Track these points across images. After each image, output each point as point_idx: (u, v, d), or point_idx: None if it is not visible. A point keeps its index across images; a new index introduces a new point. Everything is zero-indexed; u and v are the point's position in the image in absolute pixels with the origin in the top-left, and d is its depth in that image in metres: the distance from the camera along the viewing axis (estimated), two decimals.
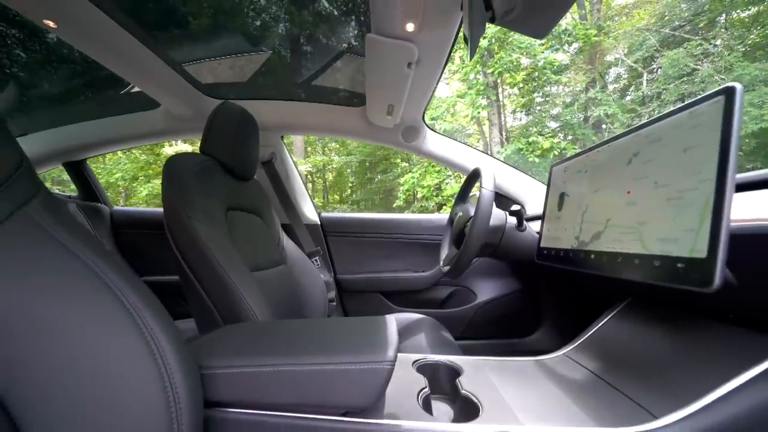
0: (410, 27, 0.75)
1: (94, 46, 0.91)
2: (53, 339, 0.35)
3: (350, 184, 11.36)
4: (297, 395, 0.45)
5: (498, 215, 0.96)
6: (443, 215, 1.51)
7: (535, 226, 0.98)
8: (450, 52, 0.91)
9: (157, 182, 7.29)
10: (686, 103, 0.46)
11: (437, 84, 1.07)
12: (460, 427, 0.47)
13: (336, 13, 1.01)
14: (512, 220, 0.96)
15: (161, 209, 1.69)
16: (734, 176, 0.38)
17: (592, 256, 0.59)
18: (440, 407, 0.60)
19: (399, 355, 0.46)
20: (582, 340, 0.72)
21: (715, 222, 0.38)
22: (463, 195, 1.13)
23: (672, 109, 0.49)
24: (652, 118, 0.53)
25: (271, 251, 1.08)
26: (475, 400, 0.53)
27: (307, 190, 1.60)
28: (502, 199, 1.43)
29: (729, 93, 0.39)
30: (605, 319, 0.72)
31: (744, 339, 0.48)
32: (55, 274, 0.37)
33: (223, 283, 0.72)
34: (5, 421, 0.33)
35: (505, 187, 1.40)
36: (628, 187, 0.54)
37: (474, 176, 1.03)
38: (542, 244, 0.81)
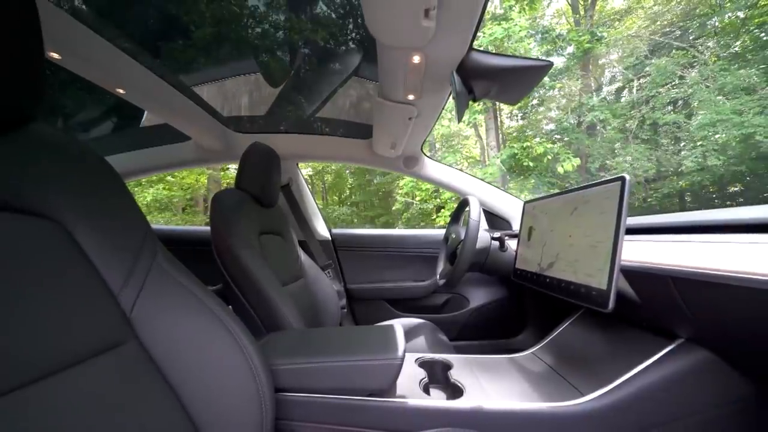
0: (411, 96, 0.95)
1: (150, 103, 1.11)
2: (187, 354, 0.54)
3: (349, 186, 11.51)
4: (336, 382, 0.65)
5: (484, 238, 1.16)
6: (440, 231, 1.71)
7: (515, 245, 1.18)
8: (443, 107, 1.11)
9: (160, 186, 7.46)
10: (602, 180, 0.66)
11: (434, 125, 1.27)
12: (449, 403, 0.67)
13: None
14: (496, 243, 1.17)
15: (192, 227, 1.88)
16: (623, 237, 0.58)
17: (548, 280, 0.80)
18: (435, 391, 0.80)
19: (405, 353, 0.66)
20: (546, 341, 0.92)
21: (612, 267, 0.58)
22: (456, 218, 1.33)
23: (600, 180, 0.69)
24: (590, 183, 0.73)
25: (293, 267, 1.27)
26: (461, 386, 0.74)
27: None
28: (493, 218, 1.64)
29: (623, 181, 0.60)
30: (564, 326, 0.92)
31: (647, 339, 0.69)
32: (183, 310, 0.56)
33: (264, 298, 0.92)
34: (178, 402, 0.52)
35: (494, 207, 1.60)
36: (570, 232, 0.75)
37: (464, 204, 1.24)
38: (517, 265, 1.02)
